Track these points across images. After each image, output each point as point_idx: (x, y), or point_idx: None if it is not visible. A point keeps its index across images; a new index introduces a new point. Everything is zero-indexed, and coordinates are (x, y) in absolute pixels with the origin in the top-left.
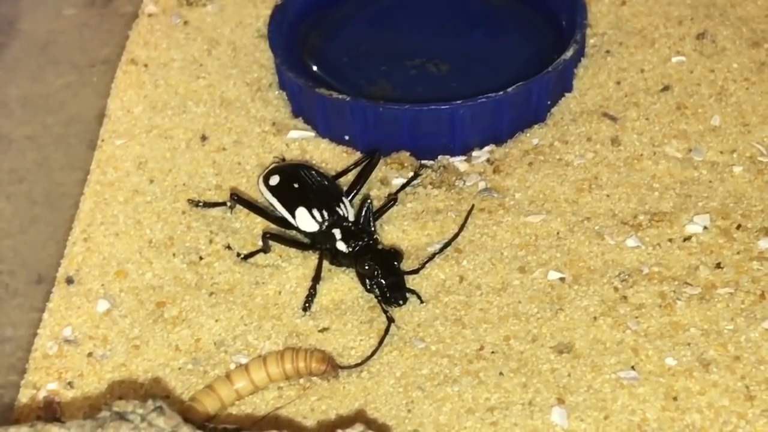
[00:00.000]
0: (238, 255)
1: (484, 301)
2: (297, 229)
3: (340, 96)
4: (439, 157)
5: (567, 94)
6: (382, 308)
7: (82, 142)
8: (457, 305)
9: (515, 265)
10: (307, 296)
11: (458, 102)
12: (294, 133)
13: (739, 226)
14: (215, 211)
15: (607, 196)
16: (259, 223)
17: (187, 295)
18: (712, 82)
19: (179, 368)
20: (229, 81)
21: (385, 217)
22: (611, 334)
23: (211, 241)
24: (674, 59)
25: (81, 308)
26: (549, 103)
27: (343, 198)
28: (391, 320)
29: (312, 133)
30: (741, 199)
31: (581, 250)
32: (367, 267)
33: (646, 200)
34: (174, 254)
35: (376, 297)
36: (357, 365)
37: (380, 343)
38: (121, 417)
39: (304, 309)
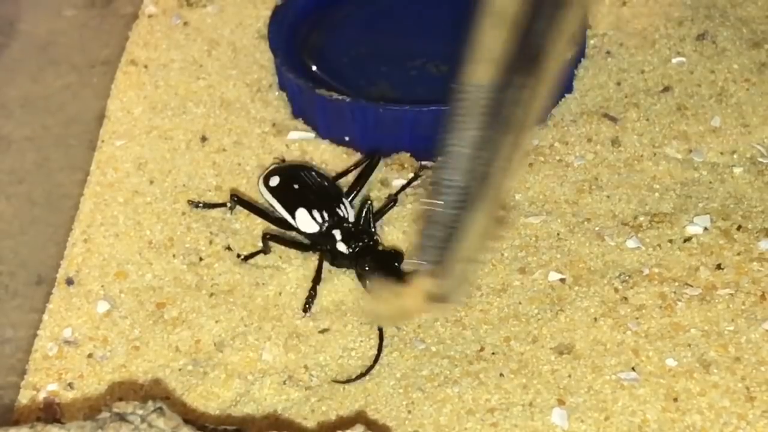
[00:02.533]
0: (238, 256)
1: (485, 302)
2: (297, 230)
3: (341, 97)
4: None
5: (567, 95)
6: None
7: (81, 143)
8: (457, 306)
9: (515, 266)
10: (308, 297)
11: None
12: (294, 134)
13: (739, 227)
14: (215, 212)
15: (608, 197)
16: (260, 224)
17: (187, 296)
18: (712, 83)
19: (179, 369)
20: (229, 82)
21: (385, 218)
22: (612, 335)
23: (211, 242)
24: (674, 60)
25: (81, 309)
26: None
27: (344, 199)
28: (380, 327)
29: (312, 134)
30: (741, 200)
31: (581, 251)
32: (367, 268)
33: (646, 201)
34: (174, 255)
35: None
36: (360, 377)
37: (378, 351)
38: (121, 418)
39: (305, 310)
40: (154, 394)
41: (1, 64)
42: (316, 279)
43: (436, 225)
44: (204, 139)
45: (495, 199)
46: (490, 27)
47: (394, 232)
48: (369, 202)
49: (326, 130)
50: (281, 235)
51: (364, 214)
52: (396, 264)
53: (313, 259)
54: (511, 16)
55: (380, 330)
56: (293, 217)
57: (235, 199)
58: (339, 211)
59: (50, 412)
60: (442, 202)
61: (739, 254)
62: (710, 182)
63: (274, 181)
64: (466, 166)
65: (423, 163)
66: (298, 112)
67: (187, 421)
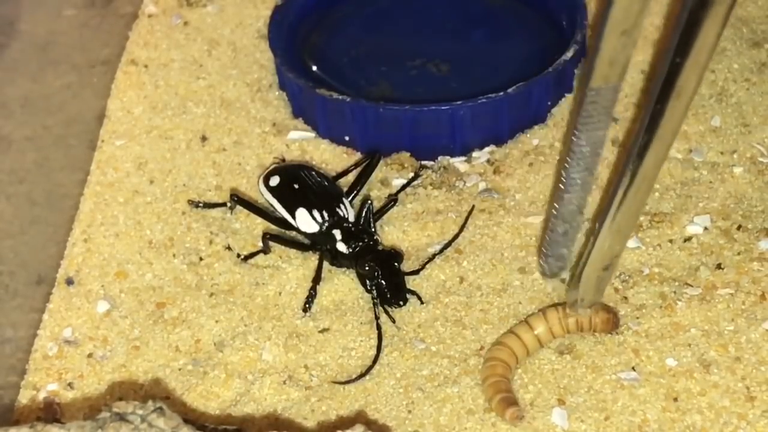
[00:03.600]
0: (238, 256)
1: (485, 302)
2: (297, 229)
3: (341, 96)
4: (440, 157)
5: (567, 95)
6: (375, 314)
7: (82, 143)
8: (457, 306)
9: (516, 265)
10: (308, 297)
11: (458, 102)
12: (294, 134)
13: (739, 227)
14: (215, 212)
15: None
16: (260, 224)
17: (187, 296)
18: (712, 83)
19: (179, 369)
20: (230, 82)
21: (385, 217)
22: (612, 334)
23: (211, 242)
24: None
25: (81, 309)
26: (549, 103)
27: (344, 199)
28: (379, 327)
29: (312, 134)
30: (741, 199)
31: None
32: (367, 268)
33: (646, 201)
34: (174, 255)
35: (373, 299)
36: (360, 377)
37: (378, 350)
38: (121, 418)
39: (305, 310)
40: (154, 393)
41: (1, 64)
42: (316, 279)
43: (559, 221)
44: (204, 138)
45: (634, 208)
46: (612, 32)
47: (394, 231)
48: (369, 201)
49: (326, 130)
50: (281, 235)
51: (364, 214)
52: (396, 264)
53: (313, 258)
54: (632, 21)
55: (380, 329)
56: (293, 217)
57: (235, 198)
58: (339, 211)
59: (50, 411)
60: (568, 199)
61: (739, 254)
62: (710, 182)
63: (274, 180)
64: (594, 164)
65: (423, 162)
66: (298, 111)
67: (187, 421)
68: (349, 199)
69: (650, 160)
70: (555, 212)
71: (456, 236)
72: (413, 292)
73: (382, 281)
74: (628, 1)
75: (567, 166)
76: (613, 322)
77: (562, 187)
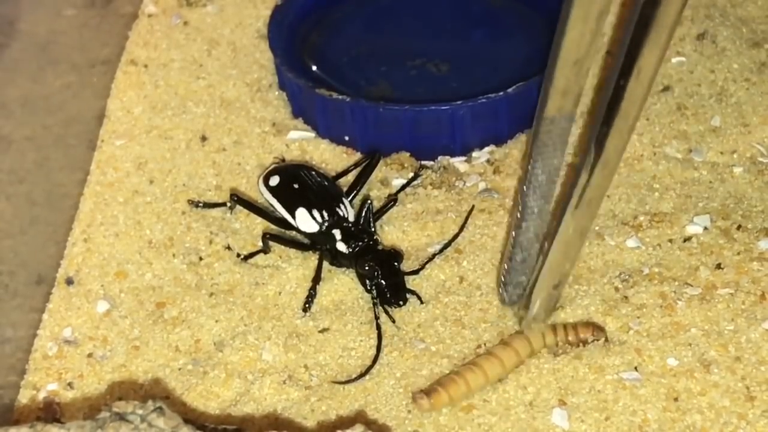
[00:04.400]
0: (238, 255)
1: (484, 302)
2: (297, 229)
3: (340, 96)
4: (439, 157)
5: None
6: (375, 314)
7: (81, 143)
8: (457, 306)
9: None
10: (307, 297)
11: (458, 102)
12: (294, 134)
13: (739, 227)
14: (215, 212)
15: (608, 196)
16: (259, 224)
17: (187, 296)
18: (712, 83)
19: (179, 369)
20: (229, 81)
21: (385, 217)
22: (614, 334)
23: (211, 242)
24: (674, 60)
25: (81, 309)
26: None
27: (344, 199)
28: (379, 327)
29: (312, 134)
30: (741, 199)
31: (581, 250)
32: (367, 268)
33: (646, 201)
34: (174, 255)
35: (373, 299)
36: (359, 377)
37: (378, 350)
38: (121, 418)
39: (304, 309)
40: (154, 393)
41: (1, 64)
42: (316, 278)
43: (517, 249)
44: (204, 138)
45: (582, 226)
46: (565, 64)
47: (394, 231)
48: (369, 201)
49: (326, 130)
50: (281, 235)
51: (363, 214)
52: (396, 264)
53: (312, 258)
54: (584, 51)
55: (379, 329)
56: (293, 217)
57: (235, 198)
58: (339, 211)
59: (50, 411)
60: (525, 228)
61: (739, 254)
62: (710, 182)
63: (274, 180)
64: (550, 192)
65: (423, 162)
66: (298, 111)
67: (187, 421)
68: (349, 199)
69: (597, 178)
70: (513, 241)
71: (456, 236)
72: (413, 292)
73: (382, 281)
74: (579, 32)
75: (523, 194)
76: (594, 333)
77: (519, 215)
